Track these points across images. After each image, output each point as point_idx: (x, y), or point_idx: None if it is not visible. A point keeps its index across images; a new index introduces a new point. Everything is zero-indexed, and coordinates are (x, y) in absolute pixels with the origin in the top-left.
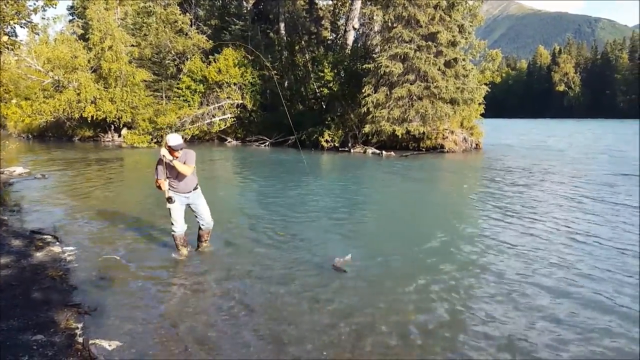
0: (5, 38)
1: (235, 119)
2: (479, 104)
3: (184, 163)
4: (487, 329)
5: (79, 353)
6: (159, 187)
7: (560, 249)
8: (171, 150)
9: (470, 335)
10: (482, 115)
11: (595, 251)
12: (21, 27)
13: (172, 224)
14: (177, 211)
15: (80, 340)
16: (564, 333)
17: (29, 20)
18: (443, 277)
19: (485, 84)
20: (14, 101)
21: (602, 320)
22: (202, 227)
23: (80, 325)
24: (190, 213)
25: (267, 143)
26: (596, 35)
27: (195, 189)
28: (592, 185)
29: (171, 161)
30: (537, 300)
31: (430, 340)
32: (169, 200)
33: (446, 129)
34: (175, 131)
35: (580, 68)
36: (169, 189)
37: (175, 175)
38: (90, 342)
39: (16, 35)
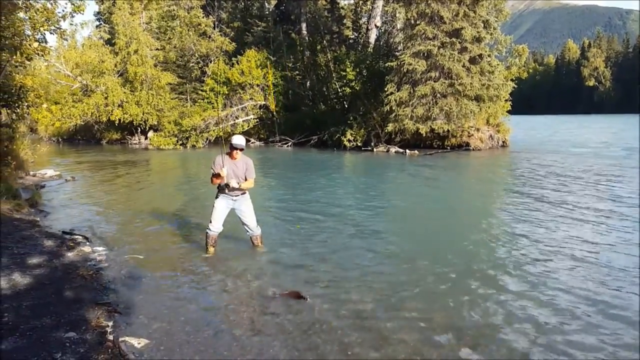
0: (35, 44)
1: (258, 120)
2: (505, 100)
3: (245, 171)
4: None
5: (109, 350)
6: (214, 180)
7: (582, 250)
8: (232, 147)
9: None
10: (509, 112)
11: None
12: (51, 33)
13: (210, 221)
14: (218, 211)
15: (111, 337)
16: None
17: (58, 26)
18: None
19: (512, 80)
20: (44, 105)
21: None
22: (248, 233)
23: (110, 323)
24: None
25: (289, 143)
26: (628, 27)
27: (243, 193)
28: (624, 185)
29: (239, 187)
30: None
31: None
32: (227, 186)
33: (471, 127)
34: (200, 133)
35: (611, 62)
36: (218, 190)
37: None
38: (120, 339)
39: (46, 42)
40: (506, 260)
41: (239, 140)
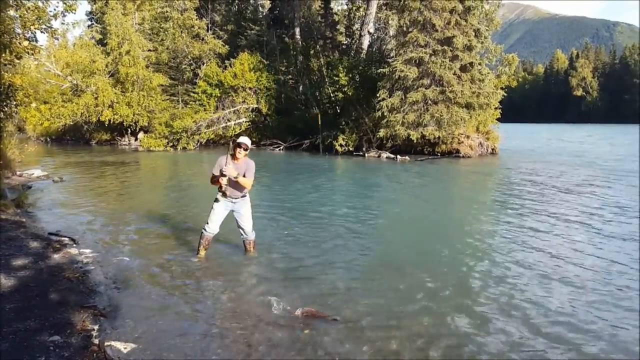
0: (25, 43)
1: (250, 123)
2: (495, 108)
3: (245, 171)
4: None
5: (94, 355)
6: (213, 182)
7: (566, 263)
8: (237, 145)
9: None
10: (499, 119)
11: (610, 266)
12: (41, 32)
13: (207, 222)
14: (216, 212)
15: (96, 341)
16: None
17: (49, 25)
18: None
19: (502, 88)
20: (33, 105)
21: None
22: (241, 237)
23: (96, 327)
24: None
25: (281, 147)
26: (614, 39)
27: (243, 196)
28: (610, 195)
29: (235, 178)
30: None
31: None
32: (224, 194)
33: (462, 134)
34: (191, 135)
35: (599, 72)
36: (218, 191)
37: (228, 179)
38: (106, 344)
39: (36, 40)
40: (490, 272)
41: (243, 139)
